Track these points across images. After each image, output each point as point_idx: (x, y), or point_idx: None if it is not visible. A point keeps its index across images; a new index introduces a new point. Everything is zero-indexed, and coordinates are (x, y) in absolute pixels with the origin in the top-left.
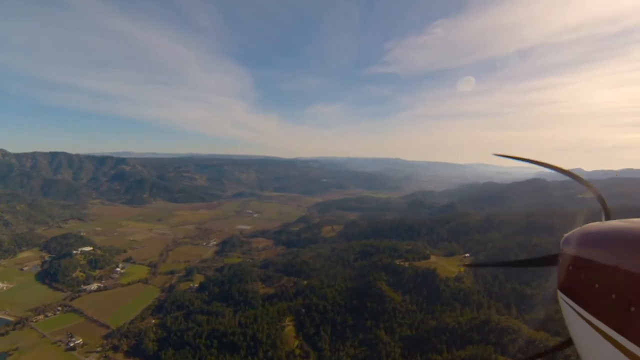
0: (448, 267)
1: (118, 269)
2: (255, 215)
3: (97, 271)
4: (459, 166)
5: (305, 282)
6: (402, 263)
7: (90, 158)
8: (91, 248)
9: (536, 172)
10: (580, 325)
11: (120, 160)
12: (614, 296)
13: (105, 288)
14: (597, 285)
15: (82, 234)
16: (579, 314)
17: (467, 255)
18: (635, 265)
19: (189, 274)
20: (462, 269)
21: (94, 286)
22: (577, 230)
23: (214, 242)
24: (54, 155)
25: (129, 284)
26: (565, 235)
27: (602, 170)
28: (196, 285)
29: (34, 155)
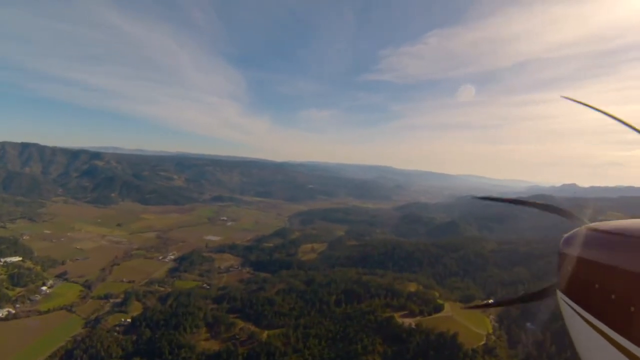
0: (471, 325)
1: (44, 288)
2: (229, 224)
3: (18, 289)
4: (451, 177)
5: (265, 335)
6: (405, 320)
7: (64, 151)
8: (20, 258)
9: (530, 185)
10: (580, 325)
11: (94, 155)
12: (613, 296)
13: (16, 316)
14: (596, 286)
15: (25, 237)
16: (578, 314)
17: (491, 301)
18: (634, 264)
19: (126, 301)
20: (490, 329)
21: (3, 312)
22: (576, 230)
23: (172, 256)
24: (24, 146)
25: (48, 311)
26: (565, 235)
27: (599, 187)
28: (129, 319)
29: (2, 145)
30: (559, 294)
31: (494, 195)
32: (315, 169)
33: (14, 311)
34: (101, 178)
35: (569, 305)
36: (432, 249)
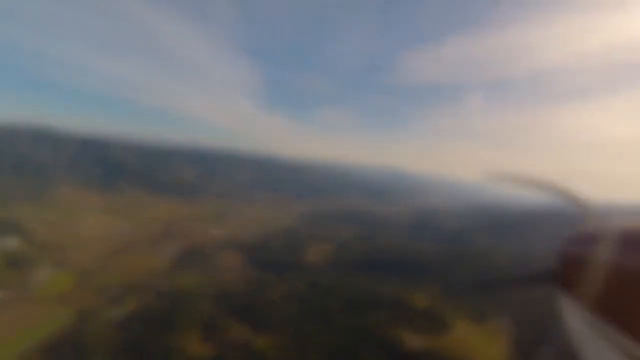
0: (484, 348)
1: (39, 275)
2: (236, 220)
3: (11, 274)
4: (463, 183)
5: (261, 342)
6: (413, 338)
7: (76, 138)
8: (18, 243)
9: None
10: (581, 324)
11: (106, 143)
12: (615, 295)
13: (5, 303)
14: (598, 284)
15: (26, 221)
16: (579, 312)
17: (508, 323)
18: (636, 264)
19: (122, 294)
20: (505, 354)
21: None
22: (579, 230)
23: (175, 251)
24: (36, 130)
25: (39, 299)
26: (568, 235)
27: (616, 202)
28: (121, 314)
29: (15, 129)
30: (560, 293)
31: (505, 208)
32: (327, 167)
33: (5, 297)
34: (110, 166)
35: (570, 304)
36: (442, 258)
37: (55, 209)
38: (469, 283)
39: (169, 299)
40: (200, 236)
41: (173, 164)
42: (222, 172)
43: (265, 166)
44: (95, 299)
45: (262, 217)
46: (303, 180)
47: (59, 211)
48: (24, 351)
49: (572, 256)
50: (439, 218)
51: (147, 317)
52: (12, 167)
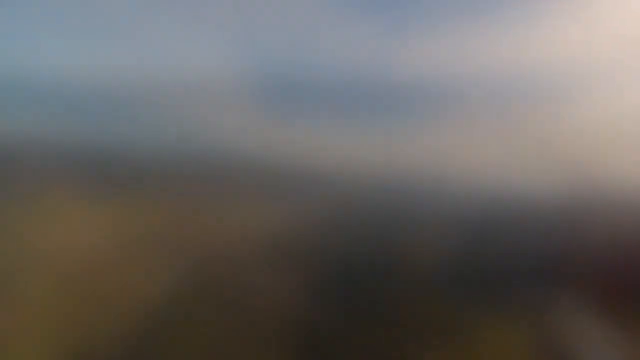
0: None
1: (26, 282)
2: (231, 223)
3: None
4: (463, 181)
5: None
6: (423, 353)
7: (65, 138)
8: (3, 249)
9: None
10: (582, 324)
11: (98, 144)
12: (616, 294)
13: None
14: (600, 283)
15: (6, 226)
16: (580, 312)
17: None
18: (638, 263)
19: (112, 303)
20: None
21: None
22: (581, 228)
23: (167, 262)
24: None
25: (25, 308)
26: (570, 232)
27: None
28: (112, 323)
29: None
30: (561, 292)
31: (508, 204)
32: (323, 167)
33: None
34: (104, 170)
35: (571, 304)
36: (447, 260)
37: (42, 213)
38: (472, 286)
39: (160, 309)
40: (195, 241)
41: (167, 168)
42: (216, 174)
43: (260, 166)
44: (84, 309)
45: (256, 219)
46: (297, 180)
47: (47, 216)
48: None
49: (573, 255)
50: (440, 218)
51: (136, 328)
52: None
